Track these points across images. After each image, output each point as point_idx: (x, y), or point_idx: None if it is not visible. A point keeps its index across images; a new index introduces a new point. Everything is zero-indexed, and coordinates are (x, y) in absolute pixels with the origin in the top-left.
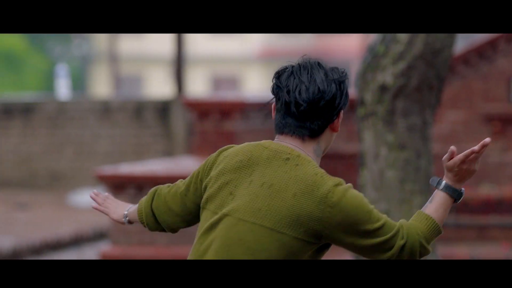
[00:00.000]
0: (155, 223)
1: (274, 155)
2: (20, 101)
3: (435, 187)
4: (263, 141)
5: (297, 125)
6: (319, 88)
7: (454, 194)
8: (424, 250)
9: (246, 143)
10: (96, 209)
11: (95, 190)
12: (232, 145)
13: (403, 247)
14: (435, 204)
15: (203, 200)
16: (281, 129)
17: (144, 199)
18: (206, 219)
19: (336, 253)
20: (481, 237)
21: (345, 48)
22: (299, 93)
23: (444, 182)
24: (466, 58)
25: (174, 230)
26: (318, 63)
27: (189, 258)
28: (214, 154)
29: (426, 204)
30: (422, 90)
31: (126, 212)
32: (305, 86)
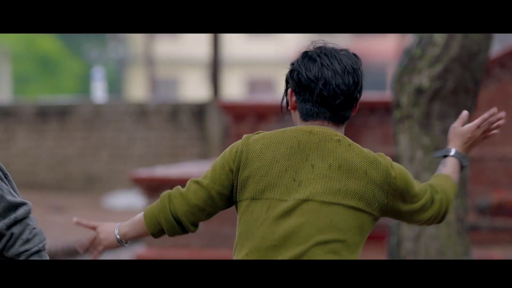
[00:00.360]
0: (175, 227)
1: (325, 138)
2: (56, 104)
3: (445, 156)
4: (299, 127)
5: (332, 113)
6: (353, 79)
7: (463, 160)
8: (450, 206)
9: (278, 130)
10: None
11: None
12: (251, 135)
13: (440, 200)
14: (450, 168)
15: (253, 190)
16: (315, 116)
17: (154, 208)
18: (270, 207)
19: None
20: None
21: (382, 50)
22: (337, 85)
23: (454, 149)
24: (503, 61)
25: (196, 227)
26: (337, 49)
27: (257, 245)
28: (239, 145)
29: (439, 168)
30: (458, 93)
31: (117, 230)
32: (341, 77)
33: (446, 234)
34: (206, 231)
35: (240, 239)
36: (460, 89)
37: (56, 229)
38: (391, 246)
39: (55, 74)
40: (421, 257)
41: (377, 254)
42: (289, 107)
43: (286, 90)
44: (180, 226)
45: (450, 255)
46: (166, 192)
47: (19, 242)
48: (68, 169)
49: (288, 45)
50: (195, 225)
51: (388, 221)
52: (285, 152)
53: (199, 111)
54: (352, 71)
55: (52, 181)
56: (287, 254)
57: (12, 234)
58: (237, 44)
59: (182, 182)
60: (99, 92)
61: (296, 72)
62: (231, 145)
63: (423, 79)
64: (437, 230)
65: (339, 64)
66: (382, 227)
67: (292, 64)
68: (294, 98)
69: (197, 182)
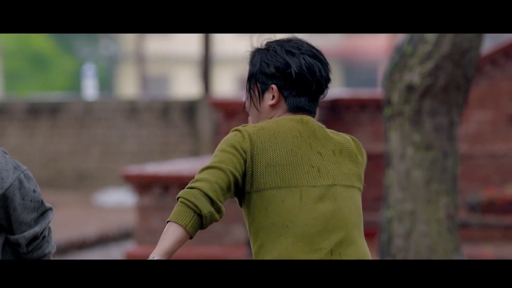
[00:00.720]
0: (208, 204)
1: (316, 125)
2: (47, 101)
3: None
4: (290, 116)
5: (310, 102)
6: (329, 68)
7: None
8: None
9: (270, 121)
10: None
11: None
12: (242, 127)
13: None
14: None
15: (277, 179)
16: (300, 108)
17: (177, 208)
18: (303, 195)
19: None
20: (507, 237)
21: (373, 48)
22: (321, 75)
23: None
24: (494, 58)
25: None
26: (302, 40)
27: (302, 232)
28: (244, 135)
29: None
30: (449, 90)
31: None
32: (324, 67)
33: (437, 231)
34: None
35: (274, 228)
36: (451, 86)
37: None
38: (381, 243)
39: (46, 71)
40: (412, 254)
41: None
42: (269, 104)
43: (251, 88)
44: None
45: (440, 252)
46: (198, 191)
47: (46, 244)
48: (59, 166)
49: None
50: (221, 210)
51: (379, 218)
52: (293, 141)
53: (190, 108)
54: (326, 61)
55: (43, 178)
56: (333, 238)
57: (44, 237)
58: (228, 42)
59: (172, 179)
60: (90, 89)
61: (283, 68)
62: (231, 136)
63: (414, 76)
64: (428, 227)
65: (318, 54)
66: (373, 224)
67: (262, 60)
68: (278, 94)
69: (211, 166)
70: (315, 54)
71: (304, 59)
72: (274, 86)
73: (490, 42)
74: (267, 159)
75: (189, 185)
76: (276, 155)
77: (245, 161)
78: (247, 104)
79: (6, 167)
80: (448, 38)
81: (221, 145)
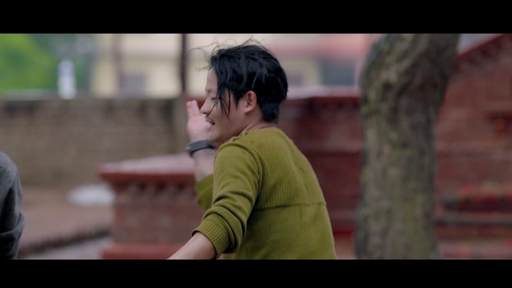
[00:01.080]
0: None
1: (290, 140)
2: (24, 99)
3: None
4: (271, 129)
5: (278, 109)
6: None
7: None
8: None
9: (263, 134)
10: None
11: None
12: (247, 141)
13: None
14: None
15: (283, 198)
16: (273, 115)
17: (238, 240)
18: (302, 213)
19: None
20: (484, 235)
21: (350, 46)
22: (286, 80)
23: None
24: (471, 56)
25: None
26: (256, 46)
27: (303, 252)
28: (254, 153)
29: None
30: (426, 88)
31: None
32: (283, 71)
33: (413, 229)
34: (173, 226)
35: (277, 246)
36: (428, 84)
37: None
38: (358, 241)
39: (23, 69)
40: (388, 252)
41: (345, 249)
42: (246, 111)
43: (221, 96)
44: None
45: (417, 250)
46: (221, 208)
47: (16, 244)
48: (36, 164)
49: (258, 37)
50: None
51: (355, 216)
52: (285, 158)
53: (167, 106)
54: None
55: (20, 176)
56: (325, 257)
57: (19, 238)
58: (205, 40)
59: (149, 177)
60: (67, 87)
61: (257, 73)
62: (242, 155)
63: (391, 74)
64: (404, 225)
65: (277, 60)
66: (349, 222)
67: (232, 67)
68: (255, 100)
69: (245, 195)
70: (276, 59)
71: (272, 64)
72: (252, 92)
73: (467, 40)
74: (274, 179)
75: (232, 208)
76: (279, 173)
77: (259, 182)
78: (216, 113)
79: (7, 161)
80: (425, 36)
81: (238, 164)
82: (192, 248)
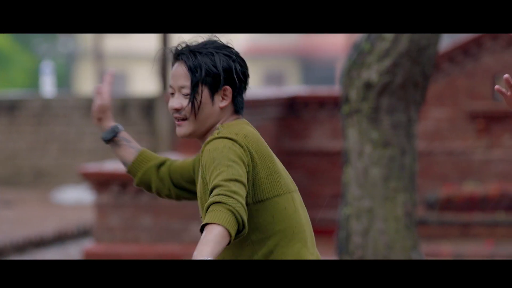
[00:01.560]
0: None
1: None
2: (5, 99)
3: None
4: (244, 121)
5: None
6: None
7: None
8: None
9: (242, 126)
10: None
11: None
12: (234, 133)
13: None
14: None
15: (277, 188)
16: (242, 108)
17: (245, 221)
18: (293, 200)
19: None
20: (465, 235)
21: (330, 45)
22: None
23: None
24: (451, 56)
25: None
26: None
27: (309, 235)
28: (243, 144)
29: None
30: (407, 88)
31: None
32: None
33: (395, 229)
34: (155, 225)
35: (283, 235)
36: (409, 83)
37: (5, 224)
38: (340, 241)
39: (5, 68)
40: (370, 251)
41: (326, 248)
42: (221, 106)
43: (195, 93)
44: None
45: (398, 250)
46: (225, 197)
47: None
48: (17, 163)
49: (238, 41)
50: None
51: (337, 216)
52: (267, 146)
53: (148, 106)
54: None
55: (1, 175)
56: (314, 243)
57: None
58: (186, 39)
59: (130, 177)
60: (48, 86)
61: (230, 68)
62: (232, 146)
63: (372, 73)
64: (385, 225)
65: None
66: (331, 222)
67: (205, 63)
68: (231, 95)
69: (238, 180)
70: (239, 53)
71: (241, 58)
72: (228, 87)
73: (448, 39)
74: (264, 169)
75: (228, 193)
76: (268, 163)
77: (248, 173)
78: (190, 110)
79: None
80: (406, 36)
81: (229, 154)
82: (214, 238)
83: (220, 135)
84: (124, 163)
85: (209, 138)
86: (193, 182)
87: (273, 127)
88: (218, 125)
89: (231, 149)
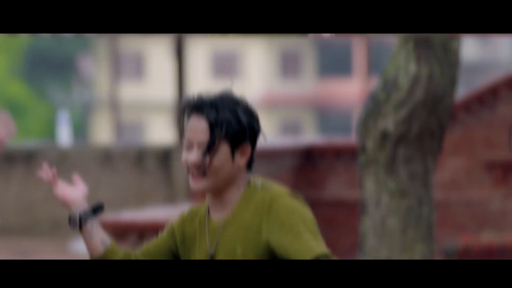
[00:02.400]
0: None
1: None
2: (22, 148)
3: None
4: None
5: None
6: None
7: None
8: None
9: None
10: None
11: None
12: (270, 182)
13: None
14: None
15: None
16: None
17: None
18: None
19: None
20: None
21: (346, 95)
22: None
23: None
24: (468, 105)
25: None
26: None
27: None
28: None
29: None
30: (423, 137)
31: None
32: None
33: None
34: None
35: None
36: (425, 133)
37: None
38: None
39: (22, 118)
40: None
41: None
42: (242, 164)
43: (216, 149)
44: None
45: None
46: None
47: None
48: (34, 213)
49: (254, 89)
50: None
51: None
52: None
53: (164, 155)
54: None
55: (18, 225)
56: None
57: None
58: (202, 87)
59: (148, 226)
60: (64, 136)
61: (251, 125)
62: (309, 212)
63: (388, 123)
64: None
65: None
66: None
67: (227, 119)
68: (249, 152)
69: (329, 256)
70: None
71: (256, 114)
72: (248, 144)
73: (464, 89)
74: None
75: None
76: None
77: None
78: (212, 166)
79: None
80: (421, 85)
81: (310, 225)
82: None
83: (287, 193)
84: (95, 250)
85: (279, 193)
86: (176, 256)
87: (290, 177)
88: (251, 180)
89: (312, 219)
